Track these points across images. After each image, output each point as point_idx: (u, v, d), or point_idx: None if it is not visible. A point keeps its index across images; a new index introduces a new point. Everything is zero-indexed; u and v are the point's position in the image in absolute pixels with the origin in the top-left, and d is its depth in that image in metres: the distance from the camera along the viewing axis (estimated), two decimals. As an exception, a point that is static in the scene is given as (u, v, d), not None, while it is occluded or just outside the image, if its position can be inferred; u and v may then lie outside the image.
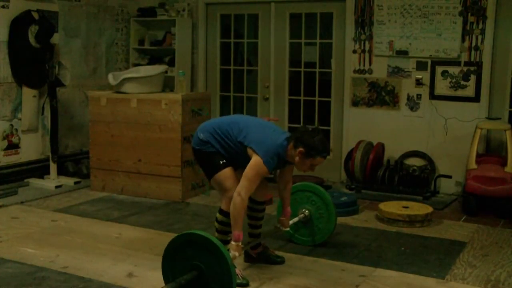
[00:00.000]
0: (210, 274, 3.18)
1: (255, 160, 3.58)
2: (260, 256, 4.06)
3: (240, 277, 3.65)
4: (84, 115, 6.82)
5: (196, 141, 3.88)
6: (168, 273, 3.32)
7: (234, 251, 3.53)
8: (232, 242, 3.58)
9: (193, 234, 3.30)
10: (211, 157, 3.79)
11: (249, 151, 3.65)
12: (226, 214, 3.74)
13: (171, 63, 7.28)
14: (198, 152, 3.88)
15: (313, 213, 4.41)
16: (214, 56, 7.46)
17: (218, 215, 3.84)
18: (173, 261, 3.30)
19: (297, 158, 3.64)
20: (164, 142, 5.74)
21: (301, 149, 3.60)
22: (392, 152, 6.38)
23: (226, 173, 3.73)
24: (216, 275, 3.17)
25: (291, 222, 4.22)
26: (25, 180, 6.30)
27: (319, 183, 5.54)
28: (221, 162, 3.77)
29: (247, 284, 3.67)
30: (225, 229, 3.80)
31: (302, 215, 4.38)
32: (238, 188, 3.57)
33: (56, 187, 6.15)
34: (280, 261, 4.07)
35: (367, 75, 6.46)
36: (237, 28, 7.41)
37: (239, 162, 3.75)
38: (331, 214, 4.37)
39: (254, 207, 4.02)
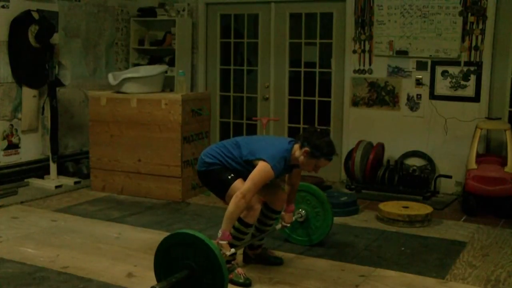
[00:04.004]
0: (201, 270, 3.18)
1: (262, 164, 3.57)
2: (258, 257, 4.05)
3: (242, 277, 3.67)
4: (84, 115, 6.81)
5: (201, 164, 3.86)
6: (161, 277, 3.30)
7: (226, 250, 3.52)
8: (222, 241, 3.54)
9: (179, 234, 3.31)
10: (219, 174, 3.77)
11: (256, 163, 3.63)
12: (246, 224, 3.72)
13: (171, 63, 7.27)
14: (204, 173, 3.85)
15: (309, 212, 4.40)
16: (214, 56, 7.46)
17: (236, 222, 3.71)
18: (165, 263, 3.30)
19: (302, 158, 3.64)
20: (164, 142, 5.74)
21: (307, 149, 3.61)
22: (392, 152, 6.37)
23: (238, 185, 3.66)
24: (207, 269, 3.16)
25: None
26: (25, 180, 6.29)
27: (318, 183, 5.55)
28: (229, 177, 3.73)
29: (250, 284, 3.66)
30: (239, 236, 3.76)
31: (298, 215, 4.36)
32: (243, 190, 3.52)
33: (56, 187, 6.15)
34: (279, 262, 4.06)
35: (367, 75, 6.45)
36: (237, 28, 7.40)
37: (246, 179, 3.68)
38: (327, 212, 4.37)
39: (269, 214, 3.99)
